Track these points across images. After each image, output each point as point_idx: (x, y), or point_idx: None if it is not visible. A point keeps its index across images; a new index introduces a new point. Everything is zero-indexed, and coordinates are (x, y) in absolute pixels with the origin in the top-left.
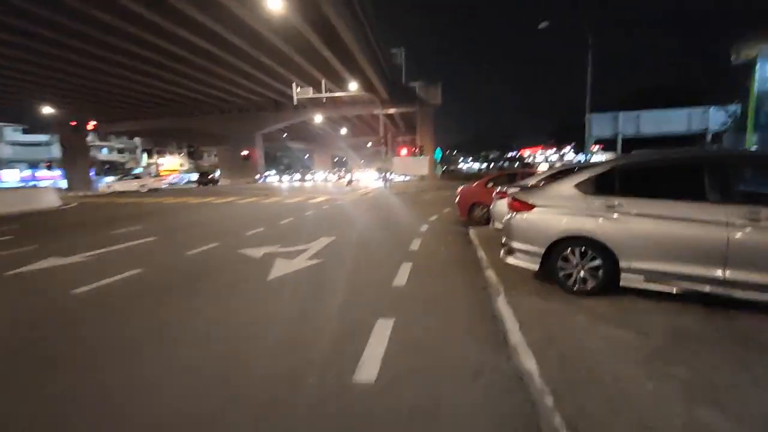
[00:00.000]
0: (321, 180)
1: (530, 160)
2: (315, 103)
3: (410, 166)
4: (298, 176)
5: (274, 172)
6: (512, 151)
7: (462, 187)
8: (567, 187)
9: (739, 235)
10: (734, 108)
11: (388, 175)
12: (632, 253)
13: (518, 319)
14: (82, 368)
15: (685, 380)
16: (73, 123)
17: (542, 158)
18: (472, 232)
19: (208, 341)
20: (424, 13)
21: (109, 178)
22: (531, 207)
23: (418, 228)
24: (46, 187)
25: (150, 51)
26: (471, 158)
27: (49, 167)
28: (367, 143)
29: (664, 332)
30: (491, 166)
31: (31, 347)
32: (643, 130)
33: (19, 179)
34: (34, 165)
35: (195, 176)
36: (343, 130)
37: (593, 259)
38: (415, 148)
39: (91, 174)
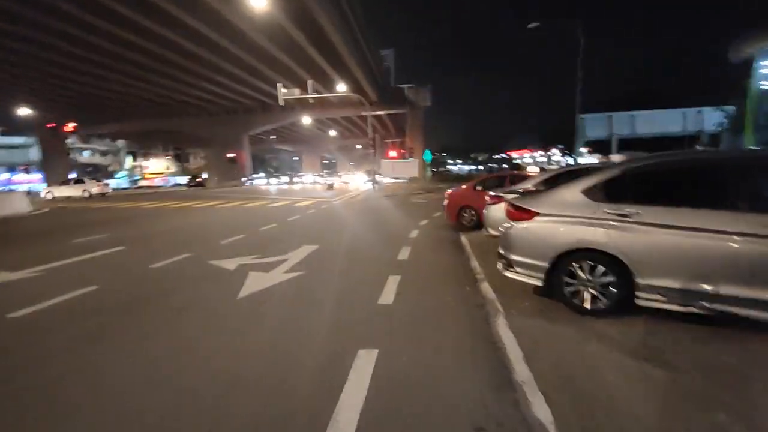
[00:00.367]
0: (310, 183)
1: (518, 161)
2: (303, 105)
3: (399, 169)
4: (286, 179)
5: (262, 174)
6: (500, 153)
7: (450, 190)
8: (573, 193)
9: None
10: (731, 108)
11: (377, 177)
12: (650, 268)
13: (522, 348)
14: None
15: None
16: (52, 125)
17: (530, 160)
18: (464, 238)
19: (150, 386)
20: (415, 16)
21: (46, 185)
22: (533, 215)
23: (408, 234)
24: (15, 192)
25: (133, 51)
26: (460, 160)
27: (26, 170)
28: (357, 145)
29: (694, 365)
30: (482, 168)
31: None
32: (639, 130)
33: None
34: (12, 168)
35: (183, 179)
36: (333, 133)
37: (604, 274)
38: (405, 150)
39: (71, 177)
